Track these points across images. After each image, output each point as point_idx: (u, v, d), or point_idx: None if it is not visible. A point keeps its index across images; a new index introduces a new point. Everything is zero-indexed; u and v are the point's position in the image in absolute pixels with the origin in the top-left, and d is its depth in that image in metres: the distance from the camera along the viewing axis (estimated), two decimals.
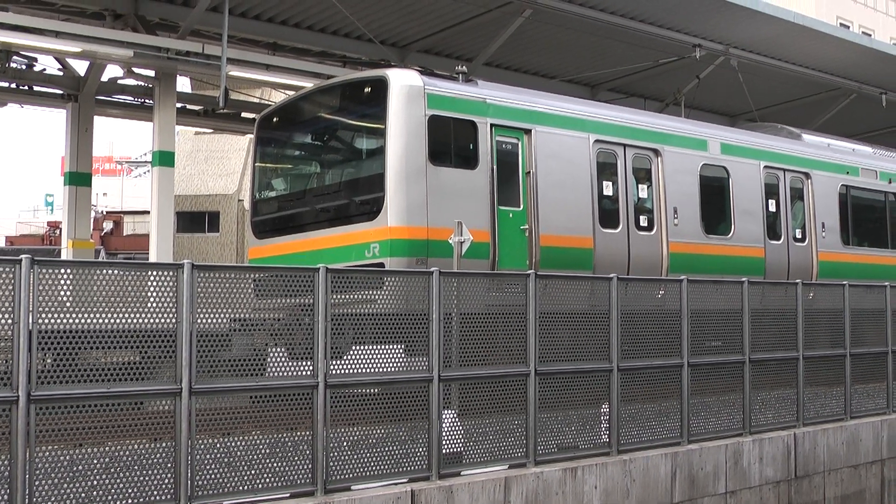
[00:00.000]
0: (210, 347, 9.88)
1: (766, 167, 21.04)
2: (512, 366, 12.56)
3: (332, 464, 10.58)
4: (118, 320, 9.35)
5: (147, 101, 24.70)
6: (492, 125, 16.48)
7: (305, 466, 10.45)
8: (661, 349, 14.54)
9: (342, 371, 10.89)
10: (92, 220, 36.44)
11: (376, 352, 11.25)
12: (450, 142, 16.18)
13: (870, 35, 52.56)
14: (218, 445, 9.95)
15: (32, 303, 8.76)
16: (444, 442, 11.57)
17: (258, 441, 10.31)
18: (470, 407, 12.15)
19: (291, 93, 20.49)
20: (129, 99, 25.69)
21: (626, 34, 24.47)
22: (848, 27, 59.03)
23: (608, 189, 17.97)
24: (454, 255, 14.51)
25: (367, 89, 16.69)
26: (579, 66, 27.26)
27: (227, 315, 10.17)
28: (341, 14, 21.73)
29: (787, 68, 28.14)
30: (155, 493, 9.42)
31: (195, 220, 43.07)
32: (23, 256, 8.78)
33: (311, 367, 10.60)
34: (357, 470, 10.83)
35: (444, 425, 11.59)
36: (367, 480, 10.88)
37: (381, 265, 14.92)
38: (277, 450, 10.42)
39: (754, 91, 27.58)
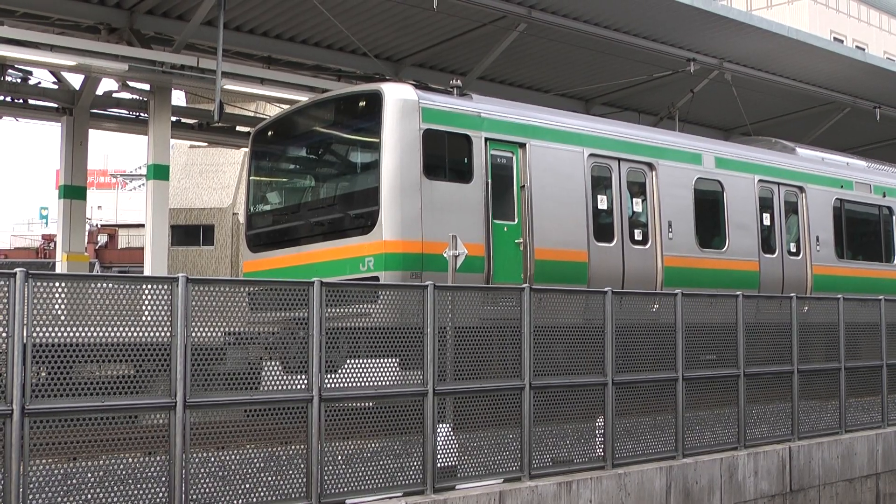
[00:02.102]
0: (204, 361, 9.87)
1: (760, 181, 21.06)
2: (507, 379, 12.55)
3: (326, 478, 10.56)
4: (112, 334, 9.34)
5: (142, 114, 24.72)
6: (486, 139, 16.50)
7: (300, 480, 10.43)
8: (655, 363, 14.53)
9: (337, 385, 10.87)
10: (86, 233, 36.49)
11: (371, 365, 11.24)
12: (444, 156, 16.19)
13: (863, 49, 52.77)
14: (212, 459, 9.93)
15: (27, 316, 8.75)
16: (438, 456, 11.55)
17: (252, 455, 10.29)
18: (465, 421, 12.14)
19: (286, 106, 20.52)
20: (123, 112, 25.73)
21: (621, 48, 24.53)
22: (842, 41, 59.21)
23: (603, 203, 17.99)
24: (449, 268, 14.50)
25: (362, 103, 16.72)
26: (573, 80, 27.31)
27: (222, 328, 10.16)
28: (336, 28, 21.77)
29: (781, 82, 28.20)
30: None
31: (190, 233, 43.02)
32: (17, 270, 8.78)
33: (305, 381, 10.59)
34: (351, 484, 10.81)
35: (438, 439, 11.57)
36: (361, 494, 10.86)
37: (376, 279, 14.93)
38: (272, 463, 10.41)
39: (748, 105, 27.66)
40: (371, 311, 11.57)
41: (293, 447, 10.54)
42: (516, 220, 16.61)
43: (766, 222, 21.05)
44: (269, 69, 23.34)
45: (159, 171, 22.44)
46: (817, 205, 22.29)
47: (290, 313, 10.82)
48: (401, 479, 11.29)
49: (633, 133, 19.45)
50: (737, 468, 15.16)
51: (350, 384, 11.04)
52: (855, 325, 18.21)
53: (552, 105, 23.00)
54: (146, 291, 9.87)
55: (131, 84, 23.10)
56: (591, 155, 17.93)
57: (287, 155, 19.08)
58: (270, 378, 10.58)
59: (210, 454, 9.95)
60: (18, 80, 23.91)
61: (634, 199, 18.64)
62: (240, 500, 9.98)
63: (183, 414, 9.60)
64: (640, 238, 18.48)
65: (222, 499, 9.87)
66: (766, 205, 21.13)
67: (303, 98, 20.40)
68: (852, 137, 33.04)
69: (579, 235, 17.42)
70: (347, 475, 10.79)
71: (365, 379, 11.16)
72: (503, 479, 12.27)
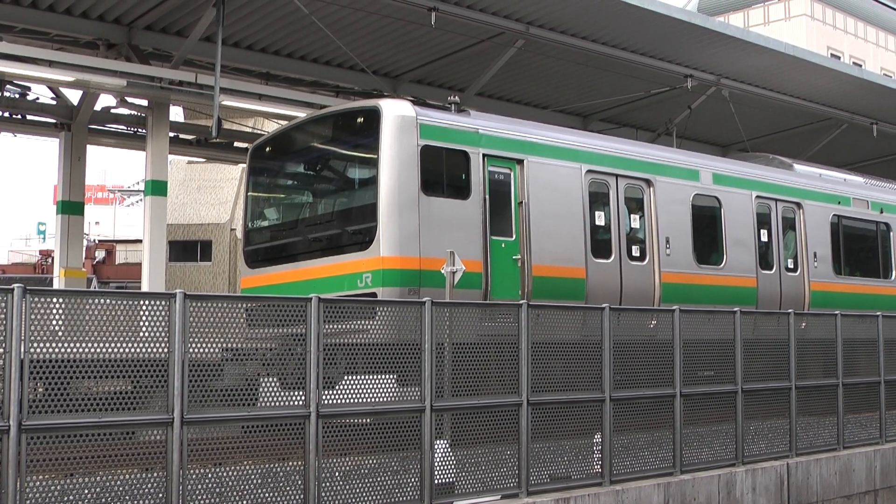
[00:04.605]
0: (202, 377, 9.87)
1: (757, 197, 21.08)
2: (504, 396, 12.54)
3: (324, 494, 10.54)
4: (110, 349, 9.34)
5: (140, 130, 24.75)
6: (484, 155, 16.51)
7: (297, 497, 10.42)
8: (653, 379, 14.53)
9: (334, 401, 10.87)
10: (84, 248, 36.43)
11: (368, 382, 11.23)
12: (442, 172, 16.20)
13: (860, 65, 52.90)
14: (209, 475, 9.92)
15: (24, 332, 8.75)
16: (436, 472, 11.54)
17: (250, 471, 10.28)
18: (462, 437, 12.13)
19: (284, 122, 20.52)
20: (121, 128, 25.72)
21: (618, 65, 24.56)
22: (839, 58, 59.33)
23: (600, 219, 17.99)
24: (447, 284, 14.51)
25: (360, 119, 16.73)
26: (571, 96, 27.36)
27: (219, 344, 10.16)
28: (334, 44, 21.80)
29: (778, 98, 28.24)
30: None
31: (187, 249, 42.98)
32: (15, 285, 8.78)
33: (303, 397, 10.58)
34: (349, 500, 10.79)
35: (436, 455, 11.56)
36: None
37: (374, 295, 14.91)
38: (269, 480, 10.39)
39: (746, 121, 27.68)
40: (369, 327, 11.57)
41: (290, 463, 10.53)
42: (514, 237, 16.62)
43: (764, 238, 21.07)
44: (267, 85, 23.36)
45: (157, 187, 22.44)
46: (815, 221, 22.31)
47: (288, 329, 10.82)
48: (398, 495, 11.27)
49: (630, 149, 19.48)
50: (735, 484, 15.14)
51: (348, 400, 11.03)
52: (853, 341, 18.20)
53: (550, 121, 23.00)
54: (144, 307, 9.88)
55: (129, 100, 23.12)
56: (589, 171, 17.95)
57: (285, 171, 19.08)
58: (268, 394, 10.58)
59: (207, 470, 9.94)
60: (17, 96, 23.92)
61: (632, 216, 18.65)
62: None
63: (180, 430, 9.59)
64: (638, 254, 18.48)
65: None
66: (763, 221, 21.15)
67: (301, 114, 20.42)
68: (850, 153, 33.07)
69: (577, 251, 17.43)
70: (345, 491, 10.78)
71: (363, 395, 11.16)
72: (501, 495, 12.25)
